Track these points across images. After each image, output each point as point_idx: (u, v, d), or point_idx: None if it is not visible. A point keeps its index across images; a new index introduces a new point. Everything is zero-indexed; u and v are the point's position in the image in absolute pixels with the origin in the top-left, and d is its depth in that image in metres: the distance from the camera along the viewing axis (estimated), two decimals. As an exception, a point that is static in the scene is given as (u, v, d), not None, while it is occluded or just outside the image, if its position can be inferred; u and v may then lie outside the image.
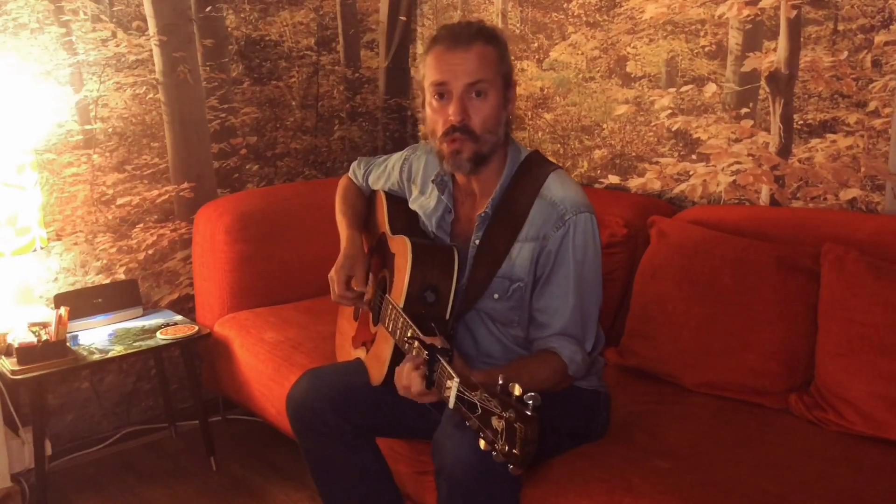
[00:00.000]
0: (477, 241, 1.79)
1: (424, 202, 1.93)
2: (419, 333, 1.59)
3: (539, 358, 1.73)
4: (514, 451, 1.28)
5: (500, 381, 1.34)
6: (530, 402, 1.28)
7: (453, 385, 1.41)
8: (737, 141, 2.45)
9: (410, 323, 1.63)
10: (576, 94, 2.87)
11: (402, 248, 1.82)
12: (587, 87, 2.83)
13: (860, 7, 2.16)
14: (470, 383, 1.38)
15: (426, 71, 1.72)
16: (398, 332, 1.70)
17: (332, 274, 1.92)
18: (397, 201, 2.04)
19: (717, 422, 1.98)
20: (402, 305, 1.72)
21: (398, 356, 1.70)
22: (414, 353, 1.57)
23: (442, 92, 1.70)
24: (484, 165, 1.75)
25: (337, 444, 1.89)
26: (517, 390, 1.30)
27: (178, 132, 2.96)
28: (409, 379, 1.54)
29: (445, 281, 1.74)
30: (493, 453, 1.31)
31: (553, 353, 1.72)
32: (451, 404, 1.42)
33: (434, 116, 1.73)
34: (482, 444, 1.33)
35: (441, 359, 1.47)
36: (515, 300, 1.77)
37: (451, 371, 1.43)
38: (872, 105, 2.16)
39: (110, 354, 2.51)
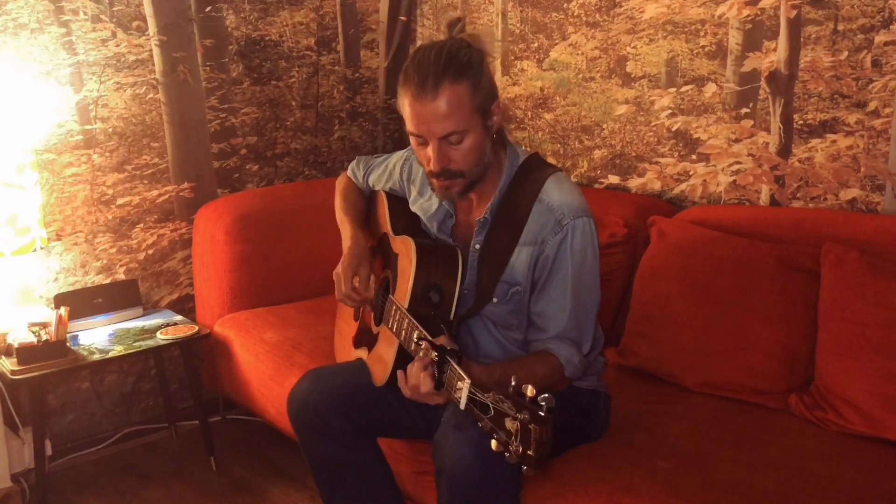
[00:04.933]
0: (477, 246, 1.79)
1: (425, 205, 1.93)
2: (427, 334, 1.58)
3: (536, 357, 1.74)
4: (528, 452, 1.28)
5: (513, 383, 1.33)
6: (544, 403, 1.28)
7: (464, 386, 1.41)
8: (737, 141, 2.45)
9: (416, 324, 1.63)
10: (576, 94, 2.87)
11: (405, 249, 1.82)
12: (587, 87, 2.83)
13: (860, 7, 2.16)
14: (481, 384, 1.38)
15: (403, 111, 1.69)
16: (403, 332, 1.69)
17: (339, 271, 1.92)
18: (399, 202, 2.04)
19: (717, 422, 1.98)
20: (406, 306, 1.72)
21: (402, 357, 1.70)
22: (422, 354, 1.56)
23: (419, 141, 1.69)
24: (474, 187, 1.75)
25: (338, 444, 1.89)
26: (530, 391, 1.30)
27: (178, 132, 2.96)
28: (417, 379, 1.54)
29: (449, 281, 1.74)
30: (507, 454, 1.31)
31: (550, 353, 1.72)
32: (463, 405, 1.41)
33: (418, 153, 1.73)
34: (494, 444, 1.33)
35: (451, 360, 1.47)
36: (514, 304, 1.77)
37: (461, 372, 1.43)
38: (872, 105, 2.16)
39: (110, 354, 2.51)
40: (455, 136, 1.65)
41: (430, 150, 1.67)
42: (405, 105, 1.66)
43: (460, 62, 1.63)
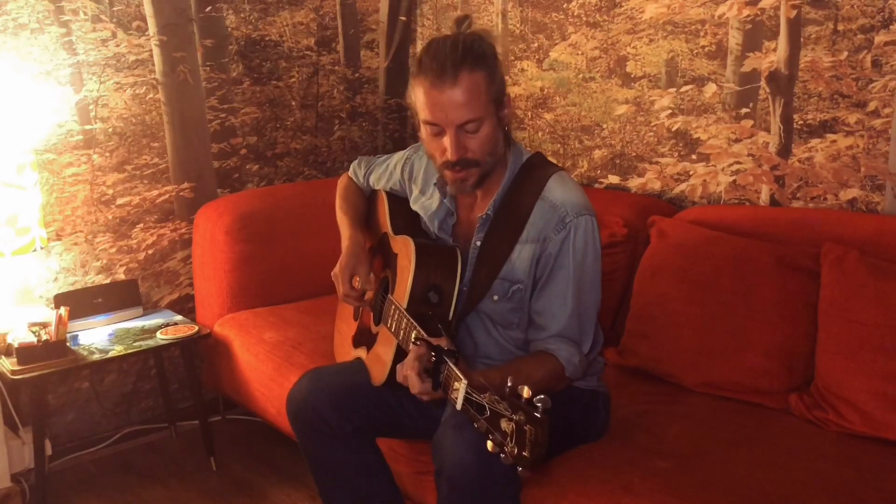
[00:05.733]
0: (478, 243, 1.79)
1: (426, 203, 1.93)
2: (424, 334, 1.58)
3: (536, 359, 1.73)
4: (524, 453, 1.28)
5: (509, 384, 1.33)
6: (540, 404, 1.28)
7: (461, 387, 1.41)
8: (737, 141, 2.45)
9: (415, 324, 1.63)
10: (576, 94, 2.87)
11: (405, 249, 1.82)
12: (587, 87, 2.83)
13: (860, 7, 2.16)
14: (478, 384, 1.38)
15: (416, 101, 1.69)
16: (402, 332, 1.70)
17: (337, 272, 1.92)
18: (399, 201, 2.04)
19: (717, 422, 1.98)
20: (405, 306, 1.72)
21: (400, 357, 1.70)
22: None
23: (435, 131, 1.69)
24: (485, 180, 1.75)
25: (337, 444, 1.89)
26: (526, 392, 1.30)
27: (178, 132, 2.96)
28: (407, 378, 1.54)
29: (448, 281, 1.74)
30: (502, 455, 1.31)
31: (550, 354, 1.72)
32: (459, 406, 1.42)
33: (431, 144, 1.72)
34: (490, 445, 1.33)
35: (448, 360, 1.47)
36: (515, 302, 1.77)
37: (458, 373, 1.43)
38: (872, 105, 2.16)
39: (110, 354, 2.51)
40: (472, 125, 1.65)
41: (446, 140, 1.66)
42: (420, 95, 1.66)
43: (476, 52, 1.65)
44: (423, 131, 1.72)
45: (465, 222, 1.86)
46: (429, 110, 1.66)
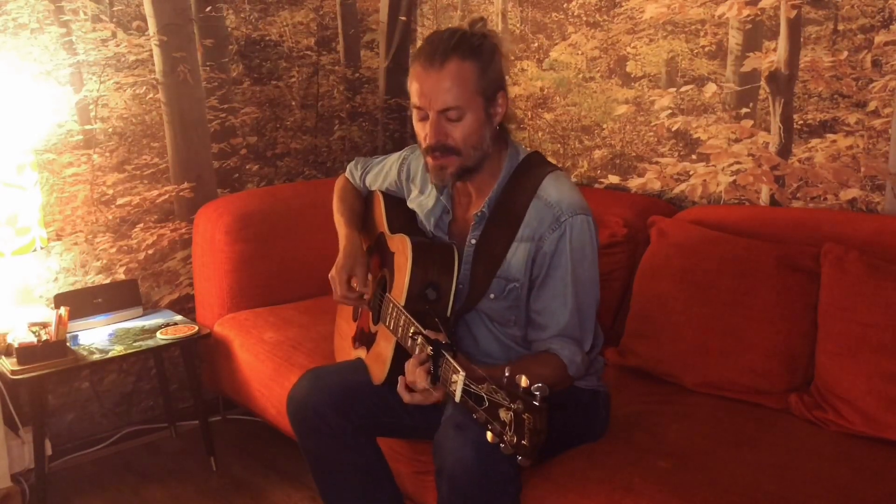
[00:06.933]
0: (474, 241, 1.80)
1: (423, 201, 1.93)
2: (421, 329, 1.59)
3: (539, 358, 1.74)
4: (523, 441, 1.28)
5: (507, 374, 1.34)
6: (538, 392, 1.28)
7: (459, 378, 1.41)
8: (737, 141, 2.45)
9: (412, 320, 1.63)
10: (576, 94, 2.87)
11: (401, 247, 1.82)
12: (587, 87, 2.83)
13: (860, 7, 2.16)
14: (476, 376, 1.39)
15: (410, 88, 1.72)
16: (400, 329, 1.70)
17: (333, 274, 1.92)
18: (395, 201, 2.04)
19: (717, 422, 1.98)
20: (403, 303, 1.72)
21: (400, 355, 1.71)
22: (418, 350, 1.57)
23: (421, 115, 1.71)
24: (469, 175, 1.76)
25: (337, 444, 1.89)
26: (524, 381, 1.30)
27: (178, 132, 2.96)
28: (414, 375, 1.54)
29: (446, 278, 1.75)
30: (502, 445, 1.31)
31: (552, 354, 1.72)
32: (458, 398, 1.42)
33: (417, 128, 1.75)
34: (489, 436, 1.33)
35: (445, 353, 1.48)
36: (512, 300, 1.77)
37: (456, 365, 1.43)
38: (872, 105, 2.16)
39: (110, 354, 2.51)
40: (454, 112, 1.67)
41: (427, 127, 1.69)
42: (413, 80, 1.70)
43: (472, 45, 1.68)
44: (413, 115, 1.75)
45: (461, 220, 1.86)
46: (415, 93, 1.70)
